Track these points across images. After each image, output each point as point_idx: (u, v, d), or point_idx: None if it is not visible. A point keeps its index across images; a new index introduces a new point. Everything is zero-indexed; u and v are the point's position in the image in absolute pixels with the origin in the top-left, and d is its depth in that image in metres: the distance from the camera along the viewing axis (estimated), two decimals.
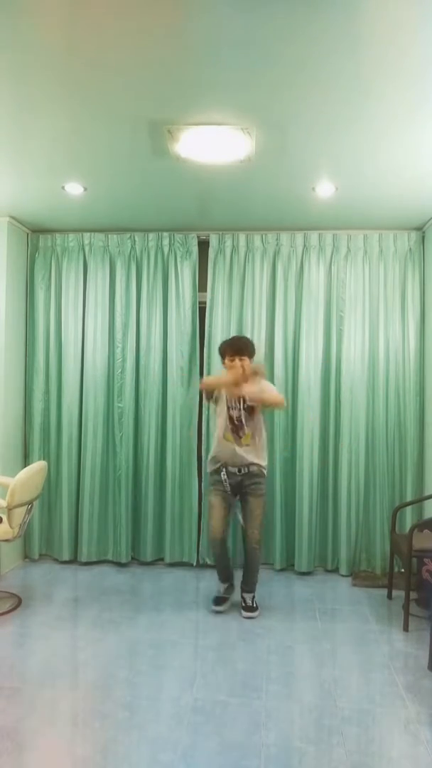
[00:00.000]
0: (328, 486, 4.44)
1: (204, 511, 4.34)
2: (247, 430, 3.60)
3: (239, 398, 3.59)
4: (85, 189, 3.69)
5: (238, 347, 3.62)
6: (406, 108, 2.59)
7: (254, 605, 3.63)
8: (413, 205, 3.87)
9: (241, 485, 3.62)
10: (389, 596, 3.92)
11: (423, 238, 4.36)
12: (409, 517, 4.21)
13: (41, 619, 3.50)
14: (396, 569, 4.03)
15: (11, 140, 3.03)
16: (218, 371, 3.99)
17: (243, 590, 3.68)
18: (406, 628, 3.38)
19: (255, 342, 3.80)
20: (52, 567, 4.47)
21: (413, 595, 3.56)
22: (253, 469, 3.61)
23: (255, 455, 3.62)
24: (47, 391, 4.59)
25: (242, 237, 4.48)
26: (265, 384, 3.68)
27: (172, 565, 4.50)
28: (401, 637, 3.32)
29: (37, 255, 4.62)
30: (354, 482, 4.34)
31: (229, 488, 3.62)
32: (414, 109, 2.60)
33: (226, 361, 3.63)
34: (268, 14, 2.01)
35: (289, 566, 4.43)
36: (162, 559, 4.53)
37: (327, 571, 4.43)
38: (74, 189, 3.69)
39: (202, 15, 2.04)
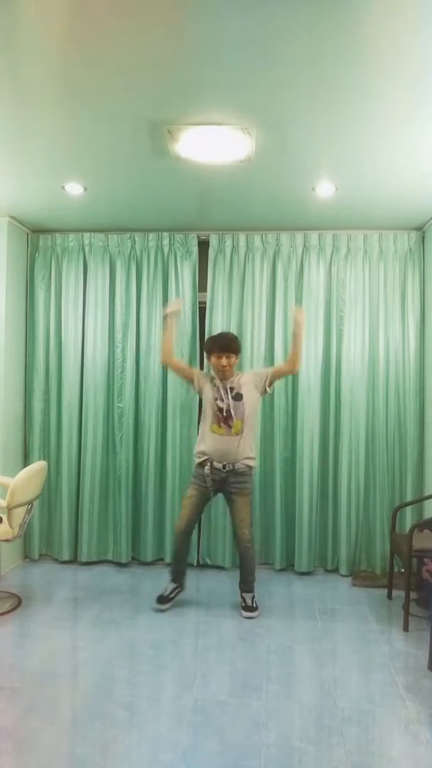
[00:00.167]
0: (328, 486, 4.44)
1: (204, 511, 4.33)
2: (236, 418, 3.54)
3: (226, 389, 3.57)
4: (85, 189, 3.69)
5: (224, 344, 3.61)
6: (406, 108, 2.60)
7: (254, 605, 3.62)
8: (413, 205, 3.87)
9: (225, 482, 3.57)
10: (389, 596, 3.92)
11: (423, 238, 4.36)
12: (409, 517, 4.21)
13: (41, 619, 3.50)
14: (396, 569, 4.03)
15: (11, 140, 3.03)
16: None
17: (242, 590, 3.67)
18: (406, 628, 3.38)
19: (255, 342, 3.79)
20: (52, 567, 4.47)
21: (413, 595, 3.56)
22: (239, 467, 3.56)
23: (245, 446, 3.56)
24: (47, 391, 4.59)
25: (242, 237, 4.48)
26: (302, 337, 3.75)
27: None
28: (401, 637, 3.32)
29: (37, 255, 4.61)
30: (354, 482, 4.34)
31: (210, 483, 3.56)
32: (414, 109, 2.61)
33: (213, 358, 3.62)
34: (268, 14, 2.01)
35: (289, 566, 4.43)
36: (162, 559, 4.52)
37: (327, 571, 4.43)
38: (74, 189, 3.69)
39: (201, 15, 2.04)
